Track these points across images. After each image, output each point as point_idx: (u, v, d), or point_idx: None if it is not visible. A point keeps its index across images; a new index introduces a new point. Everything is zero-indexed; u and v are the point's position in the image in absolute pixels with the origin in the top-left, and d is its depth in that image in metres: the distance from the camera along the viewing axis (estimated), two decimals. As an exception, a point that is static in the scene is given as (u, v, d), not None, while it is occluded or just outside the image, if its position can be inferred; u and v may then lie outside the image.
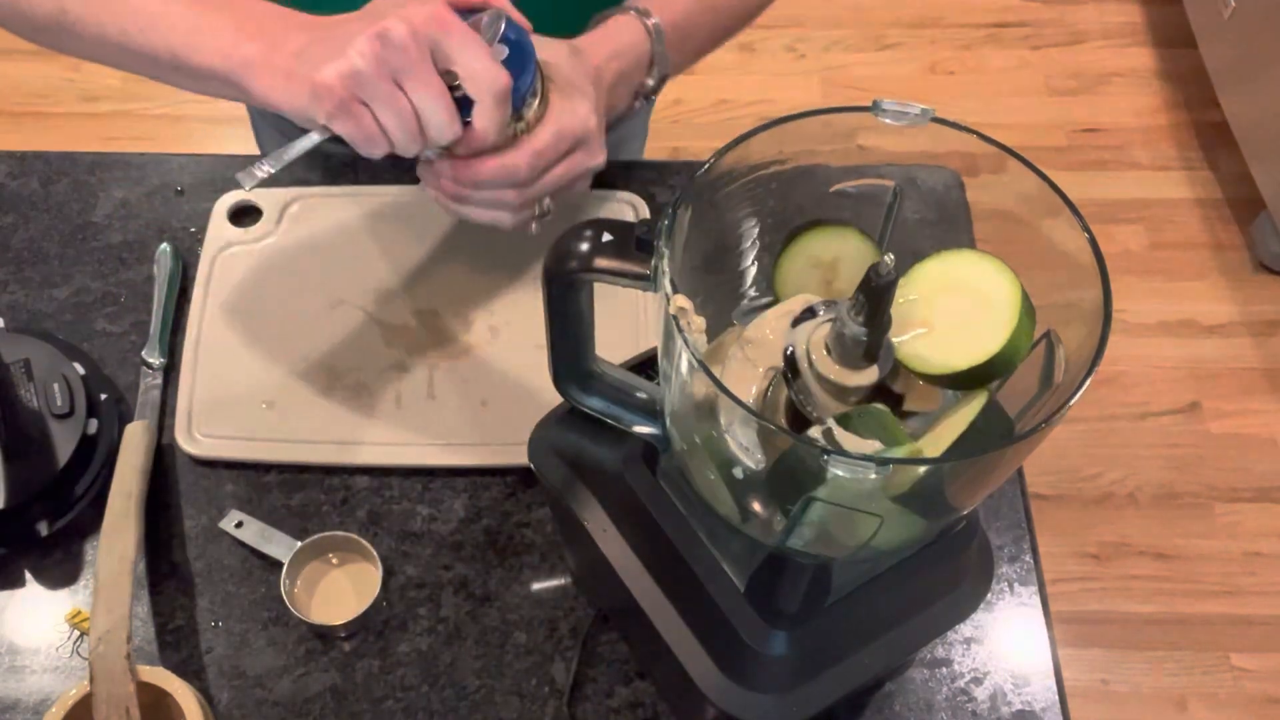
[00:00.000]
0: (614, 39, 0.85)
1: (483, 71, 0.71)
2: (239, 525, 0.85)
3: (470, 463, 0.88)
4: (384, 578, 0.82)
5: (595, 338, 0.67)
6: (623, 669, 0.82)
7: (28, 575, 0.85)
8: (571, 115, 0.78)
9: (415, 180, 1.02)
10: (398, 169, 1.03)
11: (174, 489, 0.88)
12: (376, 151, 0.73)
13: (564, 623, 0.83)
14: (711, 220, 0.62)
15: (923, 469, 0.55)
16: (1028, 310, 0.56)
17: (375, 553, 0.82)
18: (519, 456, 0.77)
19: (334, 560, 0.85)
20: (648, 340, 0.94)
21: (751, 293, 0.67)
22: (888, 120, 0.58)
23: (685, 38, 0.88)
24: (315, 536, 0.83)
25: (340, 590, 0.84)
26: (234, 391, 0.91)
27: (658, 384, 0.67)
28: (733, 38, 0.96)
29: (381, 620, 0.83)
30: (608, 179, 1.04)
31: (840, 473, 0.50)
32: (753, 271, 0.67)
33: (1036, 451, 0.56)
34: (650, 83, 0.87)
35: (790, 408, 0.60)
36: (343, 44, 0.70)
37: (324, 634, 0.82)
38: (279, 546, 0.84)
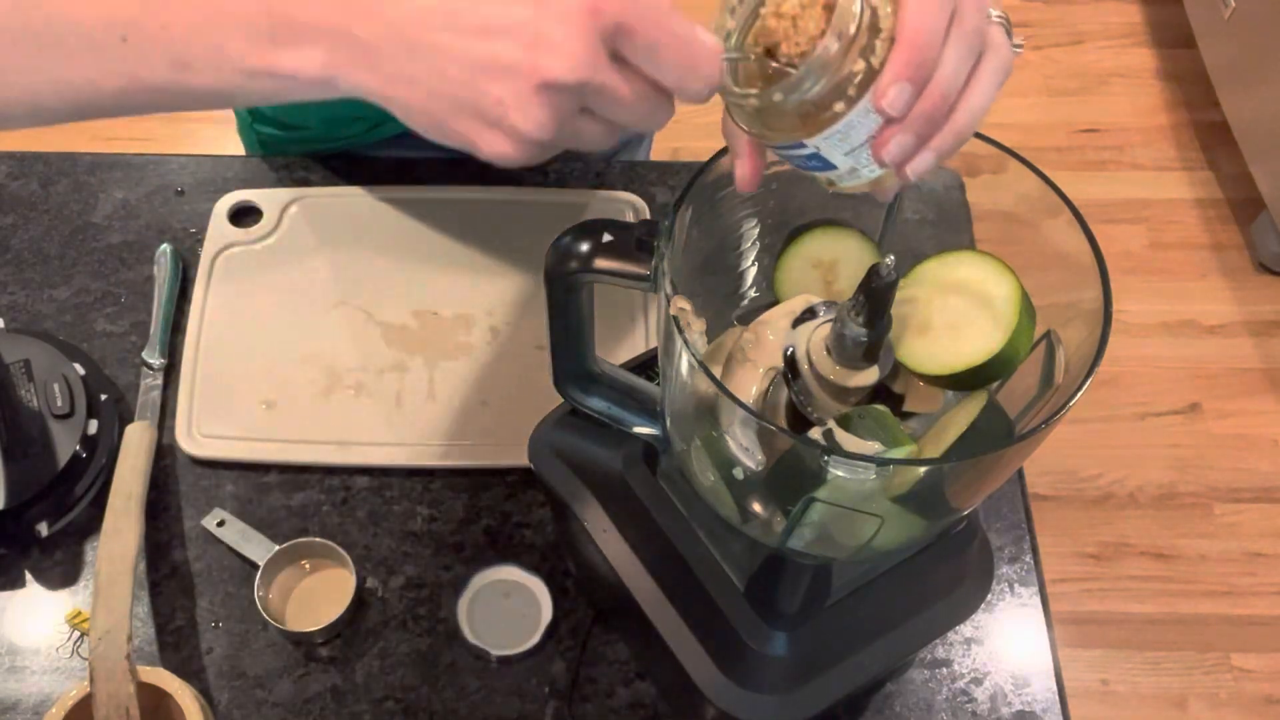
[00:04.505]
0: None
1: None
2: (220, 524, 0.85)
3: (470, 463, 0.88)
4: (359, 583, 0.82)
5: (595, 338, 0.67)
6: (623, 669, 0.82)
7: (28, 575, 0.85)
8: None
9: (414, 180, 1.02)
10: (395, 170, 1.03)
11: (174, 489, 0.88)
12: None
13: (564, 623, 0.83)
14: (711, 221, 0.62)
15: (923, 469, 0.55)
16: (1028, 310, 0.56)
17: (349, 558, 0.82)
18: (519, 456, 0.77)
19: (306, 566, 0.84)
20: (648, 340, 0.94)
21: (751, 293, 0.67)
22: (888, 120, 0.58)
23: None
24: (291, 542, 0.83)
25: (316, 596, 0.83)
26: (234, 391, 0.91)
27: (658, 384, 0.67)
28: None
29: (381, 621, 0.83)
30: (608, 179, 1.04)
31: (840, 473, 0.50)
32: (753, 272, 0.67)
33: (1036, 452, 0.56)
34: None
35: (790, 408, 0.60)
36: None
37: (299, 641, 0.82)
38: (257, 548, 0.84)
